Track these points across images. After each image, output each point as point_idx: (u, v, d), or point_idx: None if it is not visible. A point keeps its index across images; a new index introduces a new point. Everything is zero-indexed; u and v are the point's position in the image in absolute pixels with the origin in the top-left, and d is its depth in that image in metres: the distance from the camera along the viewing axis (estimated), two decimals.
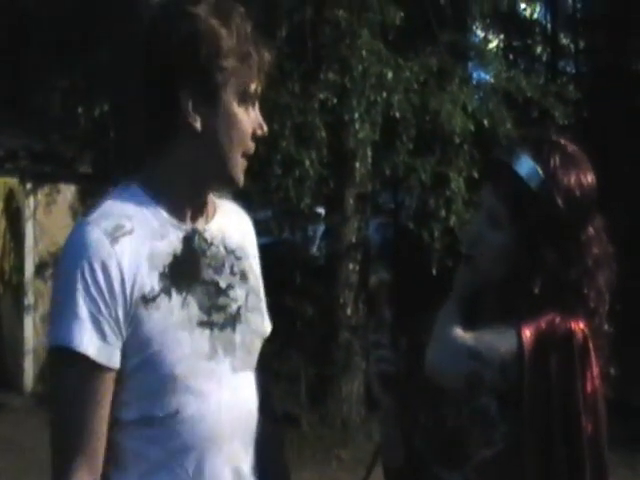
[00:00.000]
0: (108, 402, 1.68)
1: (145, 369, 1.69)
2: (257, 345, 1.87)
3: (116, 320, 1.66)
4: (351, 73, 8.10)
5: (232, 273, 1.84)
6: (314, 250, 11.10)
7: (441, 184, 8.37)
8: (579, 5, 14.16)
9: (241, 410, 1.81)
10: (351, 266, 8.67)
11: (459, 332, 1.75)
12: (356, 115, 8.07)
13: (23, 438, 7.74)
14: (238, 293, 1.84)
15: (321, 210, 9.89)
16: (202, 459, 1.74)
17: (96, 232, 1.68)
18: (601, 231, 1.81)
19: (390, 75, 8.10)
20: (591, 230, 1.78)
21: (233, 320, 1.81)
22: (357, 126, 8.08)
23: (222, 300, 1.80)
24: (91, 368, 1.65)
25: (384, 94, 8.15)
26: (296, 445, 7.54)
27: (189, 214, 1.79)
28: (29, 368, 9.56)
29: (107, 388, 1.67)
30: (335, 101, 8.20)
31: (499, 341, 1.73)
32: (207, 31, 1.69)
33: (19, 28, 10.04)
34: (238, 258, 1.86)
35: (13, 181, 9.74)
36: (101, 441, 1.68)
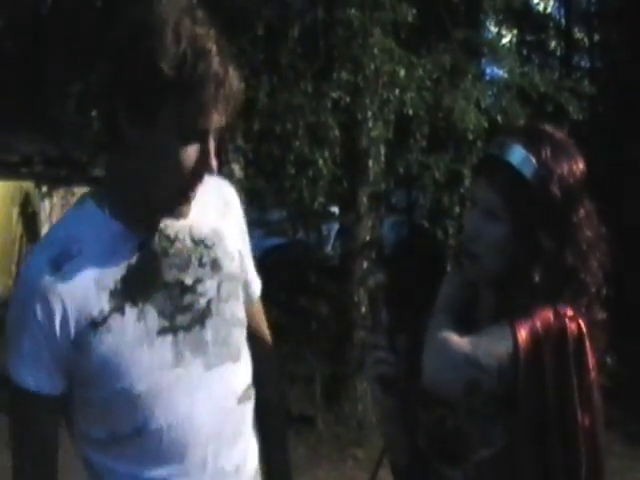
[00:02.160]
0: (50, 423, 1.72)
1: (105, 391, 1.69)
2: (236, 334, 1.84)
3: (60, 352, 1.66)
4: (363, 72, 8.08)
5: (201, 264, 1.79)
6: (329, 249, 11.10)
7: (455, 181, 8.37)
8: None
9: (218, 408, 1.79)
10: (365, 265, 8.67)
11: (455, 339, 1.75)
12: (369, 114, 8.08)
13: None
14: (207, 286, 1.79)
15: (335, 209, 9.89)
16: (176, 469, 1.75)
17: (38, 265, 1.68)
18: (592, 213, 1.84)
19: (403, 73, 8.09)
20: (582, 212, 1.81)
21: (202, 317, 1.77)
22: (370, 125, 8.09)
23: (188, 298, 1.76)
24: (32, 398, 1.68)
25: (397, 92, 8.14)
26: (312, 445, 7.61)
27: (146, 220, 1.74)
28: None
29: (44, 413, 1.70)
30: (348, 100, 8.19)
31: (495, 344, 1.73)
32: (150, 48, 1.56)
33: (36, 36, 10.07)
34: (209, 246, 1.81)
35: (29, 185, 9.85)
36: (49, 456, 1.73)
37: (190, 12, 1.61)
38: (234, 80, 1.62)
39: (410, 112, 8.19)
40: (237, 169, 8.95)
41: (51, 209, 9.73)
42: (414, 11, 8.33)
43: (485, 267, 1.81)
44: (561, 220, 1.78)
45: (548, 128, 1.86)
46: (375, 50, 8.03)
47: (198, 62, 1.56)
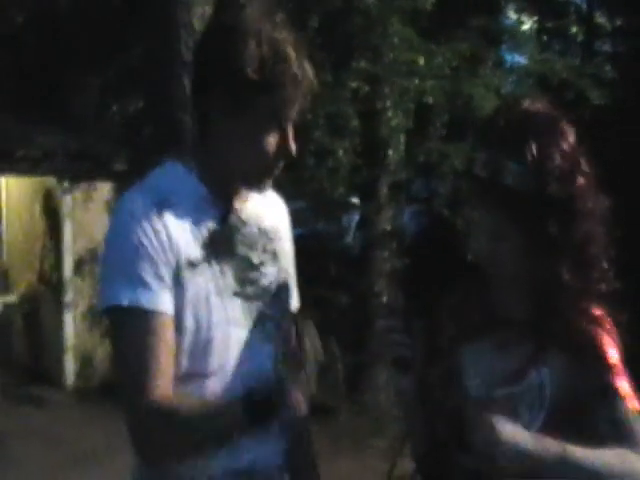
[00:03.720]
0: (170, 339, 1.79)
1: (188, 329, 1.81)
2: (286, 320, 1.98)
3: (166, 276, 1.78)
4: (382, 61, 8.13)
5: (264, 251, 1.96)
6: (349, 240, 11.10)
7: None
8: None
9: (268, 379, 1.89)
10: (386, 254, 8.67)
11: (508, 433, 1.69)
12: (388, 103, 8.10)
13: (62, 432, 7.86)
14: (269, 270, 1.96)
15: (355, 199, 9.87)
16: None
17: (143, 202, 1.82)
18: (592, 183, 1.77)
19: (422, 62, 8.11)
20: (581, 180, 1.75)
21: (263, 293, 1.93)
22: (390, 114, 8.11)
23: (254, 274, 1.92)
24: (163, 321, 1.77)
25: (416, 81, 8.15)
26: (335, 436, 7.56)
27: (227, 194, 1.91)
28: (70, 364, 9.68)
29: (168, 324, 1.78)
30: (367, 89, 8.20)
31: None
32: (236, 54, 1.77)
33: (55, 32, 10.13)
34: (270, 239, 1.98)
35: (51, 180, 9.82)
36: (169, 366, 1.78)
37: (270, 17, 1.81)
38: (309, 78, 1.82)
39: (429, 100, 8.23)
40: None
41: (73, 205, 9.72)
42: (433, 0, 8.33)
43: (507, 278, 1.80)
44: (564, 210, 1.73)
45: (524, 112, 1.77)
46: (394, 39, 8.06)
47: (277, 65, 1.77)
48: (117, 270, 1.80)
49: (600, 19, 13.99)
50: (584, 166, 1.76)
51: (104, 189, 9.74)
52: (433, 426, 1.85)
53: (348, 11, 8.44)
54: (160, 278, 1.78)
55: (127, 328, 1.79)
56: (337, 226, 10.12)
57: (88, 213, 9.71)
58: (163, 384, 1.76)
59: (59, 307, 9.71)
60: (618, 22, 13.90)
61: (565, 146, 1.74)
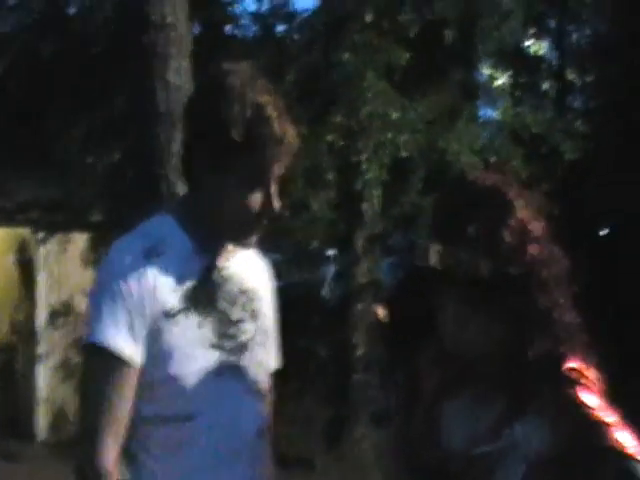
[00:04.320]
0: (132, 391, 1.86)
1: (165, 376, 1.87)
2: (262, 376, 2.02)
3: (145, 328, 1.85)
4: (358, 115, 8.14)
5: (244, 309, 2.00)
6: (325, 292, 11.08)
7: None
8: (585, 40, 14.10)
9: (246, 429, 1.96)
10: (362, 307, 8.61)
11: None
12: (363, 156, 8.12)
13: None
14: (247, 327, 1.99)
15: (332, 252, 9.86)
16: (218, 465, 1.91)
17: (134, 250, 1.89)
18: (547, 249, 1.75)
19: (396, 116, 8.15)
20: (534, 251, 1.73)
21: (241, 349, 1.97)
22: (365, 167, 8.12)
23: (232, 330, 1.97)
24: (123, 365, 1.85)
25: (389, 135, 8.18)
26: None
27: (213, 249, 1.96)
28: (42, 417, 9.62)
29: (133, 381, 1.86)
30: (343, 143, 8.26)
31: None
32: (220, 117, 1.84)
33: (36, 79, 10.11)
34: (250, 299, 2.02)
35: (25, 231, 9.85)
36: (126, 417, 1.86)
37: (253, 82, 1.90)
38: (292, 137, 1.90)
39: (404, 154, 8.25)
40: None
41: (47, 255, 9.71)
42: (407, 54, 8.41)
43: (475, 358, 1.79)
44: (523, 287, 1.72)
45: (469, 193, 1.77)
46: (369, 93, 8.09)
47: (260, 127, 1.84)
48: (100, 314, 1.86)
49: (571, 75, 14.10)
50: (536, 233, 1.75)
51: (79, 240, 9.70)
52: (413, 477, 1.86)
53: (324, 65, 8.53)
54: (133, 331, 1.84)
55: (95, 367, 1.89)
56: (315, 278, 10.10)
57: (63, 265, 9.70)
58: (113, 443, 1.85)
59: (32, 359, 9.65)
60: (589, 78, 14.01)
61: (512, 221, 1.72)
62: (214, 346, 1.92)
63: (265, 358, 2.05)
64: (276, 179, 1.91)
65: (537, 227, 1.75)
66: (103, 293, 1.88)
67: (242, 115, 1.84)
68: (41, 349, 9.63)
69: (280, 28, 9.97)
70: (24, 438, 9.51)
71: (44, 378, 9.68)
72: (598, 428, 1.70)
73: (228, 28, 10.41)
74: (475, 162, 8.41)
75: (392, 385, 1.97)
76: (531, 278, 1.72)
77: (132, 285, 1.85)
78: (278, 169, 1.90)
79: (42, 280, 9.78)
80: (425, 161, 8.50)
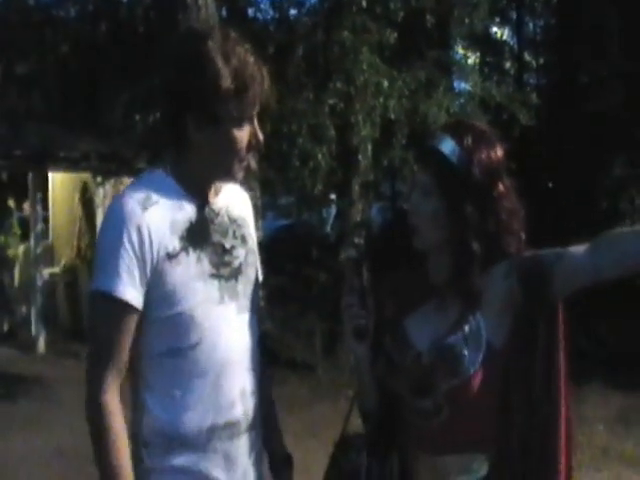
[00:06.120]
0: (132, 331, 1.68)
1: (170, 312, 1.70)
2: (255, 293, 1.87)
3: (145, 273, 1.67)
4: (354, 83, 7.88)
5: (234, 237, 1.84)
6: (328, 229, 10.84)
7: None
8: (539, 29, 13.90)
9: (244, 343, 1.81)
10: (357, 240, 8.39)
11: None
12: (359, 117, 7.87)
13: None
14: (239, 252, 1.84)
15: (333, 196, 9.66)
16: (216, 381, 1.75)
17: (131, 202, 1.68)
18: (510, 189, 1.75)
19: (386, 84, 7.88)
20: (501, 188, 1.73)
21: (236, 273, 1.81)
22: (360, 126, 7.89)
23: (227, 258, 1.80)
24: (124, 308, 1.66)
25: (381, 100, 7.93)
26: (313, 386, 7.36)
27: (201, 191, 1.79)
28: None
29: (133, 322, 1.68)
30: (342, 106, 7.99)
31: None
32: (212, 73, 1.67)
33: (93, 58, 9.99)
34: (239, 225, 1.86)
35: (87, 176, 9.70)
36: (125, 355, 1.69)
37: (229, 38, 1.73)
38: (266, 77, 1.73)
39: (392, 116, 8.00)
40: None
41: (104, 196, 9.53)
42: (395, 34, 8.15)
43: (424, 237, 1.75)
44: (482, 195, 1.70)
45: (473, 123, 1.81)
46: (364, 65, 7.83)
47: (245, 72, 1.68)
48: (104, 262, 1.68)
49: (528, 57, 13.90)
50: (505, 175, 1.74)
51: (128, 183, 9.44)
52: (384, 383, 1.78)
53: (327, 43, 8.20)
54: (134, 276, 1.66)
55: (99, 312, 1.71)
56: (318, 217, 9.89)
57: None
58: (114, 377, 1.68)
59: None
60: (541, 60, 13.84)
61: (493, 153, 1.72)
62: (213, 276, 1.76)
63: (256, 275, 1.89)
64: (257, 113, 1.75)
65: (506, 172, 1.75)
66: (105, 244, 1.69)
67: (228, 66, 1.68)
68: None
69: (292, 12, 9.74)
70: (86, 342, 9.27)
71: None
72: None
73: (250, 11, 10.18)
74: None
75: (370, 306, 1.76)
76: (490, 197, 1.71)
77: (132, 235, 1.66)
78: (257, 104, 1.74)
79: (100, 215, 9.56)
80: (409, 122, 8.18)
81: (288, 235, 10.40)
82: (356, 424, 1.88)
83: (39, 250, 9.75)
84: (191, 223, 1.74)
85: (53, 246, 10.87)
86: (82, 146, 9.31)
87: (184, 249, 1.71)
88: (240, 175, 1.78)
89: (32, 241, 9.72)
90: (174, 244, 1.70)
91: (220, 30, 1.75)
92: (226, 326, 1.76)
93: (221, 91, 1.67)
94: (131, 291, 1.65)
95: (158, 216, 1.68)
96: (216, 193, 1.81)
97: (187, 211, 1.74)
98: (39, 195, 9.92)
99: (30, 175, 9.81)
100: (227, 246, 1.80)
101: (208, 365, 1.73)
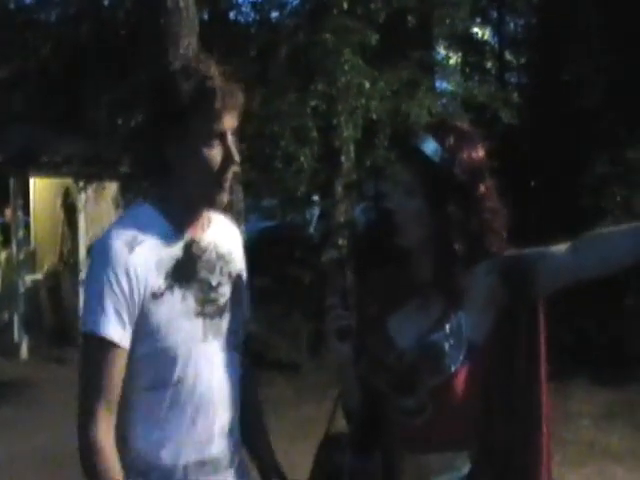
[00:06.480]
0: (122, 369, 1.69)
1: (154, 348, 1.71)
2: (239, 331, 1.86)
3: (133, 312, 1.68)
4: (336, 85, 7.88)
5: (221, 274, 1.82)
6: (311, 230, 10.82)
7: None
8: (520, 28, 13.90)
9: (225, 382, 1.81)
10: (340, 241, 8.40)
11: None
12: (341, 118, 7.87)
13: (77, 385, 7.54)
14: (225, 289, 1.82)
15: (316, 197, 9.65)
16: (195, 418, 1.76)
17: (117, 244, 1.68)
18: (492, 189, 1.75)
19: (368, 85, 7.88)
20: (483, 188, 1.73)
21: (221, 311, 1.80)
22: (342, 127, 7.89)
23: (213, 295, 1.79)
24: (113, 348, 1.67)
25: (363, 101, 7.93)
26: (298, 387, 7.36)
27: (188, 226, 1.77)
28: None
29: (122, 360, 1.69)
30: (324, 107, 7.99)
31: None
32: (171, 87, 1.69)
33: (75, 59, 10.00)
34: (227, 262, 1.85)
35: (68, 181, 9.63)
36: (116, 391, 1.69)
37: (197, 58, 1.78)
38: (237, 92, 1.71)
39: (374, 117, 8.01)
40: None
41: (86, 200, 9.48)
42: (377, 36, 8.13)
43: (408, 235, 1.75)
44: (465, 195, 1.71)
45: (456, 123, 1.82)
46: (346, 66, 7.82)
47: (205, 83, 1.66)
48: (92, 303, 1.68)
49: (509, 56, 13.91)
50: (487, 176, 1.74)
51: (112, 187, 9.55)
52: (366, 382, 1.78)
53: (309, 44, 8.18)
54: (121, 317, 1.67)
55: (89, 352, 1.70)
56: (301, 218, 9.86)
57: (98, 207, 9.50)
58: (104, 412, 1.68)
59: (76, 282, 9.34)
60: (522, 60, 13.87)
61: (475, 153, 1.73)
62: (198, 314, 1.76)
63: (241, 313, 1.88)
64: (232, 132, 1.72)
65: (488, 173, 1.76)
66: (94, 286, 1.69)
67: (187, 81, 1.68)
68: (82, 274, 9.31)
69: (274, 14, 9.72)
70: (71, 345, 9.18)
71: None
72: None
73: (232, 14, 10.21)
74: None
75: (353, 306, 1.77)
76: (472, 197, 1.71)
77: (119, 276, 1.66)
78: (230, 122, 1.71)
79: (82, 220, 9.56)
80: (392, 122, 8.17)
81: (272, 236, 10.37)
82: (341, 424, 1.89)
83: (21, 256, 9.71)
84: (177, 261, 1.73)
85: (35, 252, 10.77)
86: (64, 150, 9.25)
87: (169, 288, 1.71)
88: (221, 200, 1.75)
89: (14, 247, 9.69)
90: (159, 283, 1.70)
91: (195, 58, 1.85)
92: (208, 364, 1.76)
93: (180, 103, 1.66)
94: (119, 331, 1.66)
95: (144, 256, 1.68)
96: (204, 227, 1.80)
97: (173, 248, 1.74)
98: (21, 201, 9.85)
99: (11, 180, 9.74)
100: (213, 283, 1.79)
101: (187, 402, 1.74)
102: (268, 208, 9.39)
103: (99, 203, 9.42)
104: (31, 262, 10.45)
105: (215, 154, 1.70)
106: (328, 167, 8.47)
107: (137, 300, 1.68)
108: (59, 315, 9.79)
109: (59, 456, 5.08)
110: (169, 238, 1.74)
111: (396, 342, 1.75)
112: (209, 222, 1.82)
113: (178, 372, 1.72)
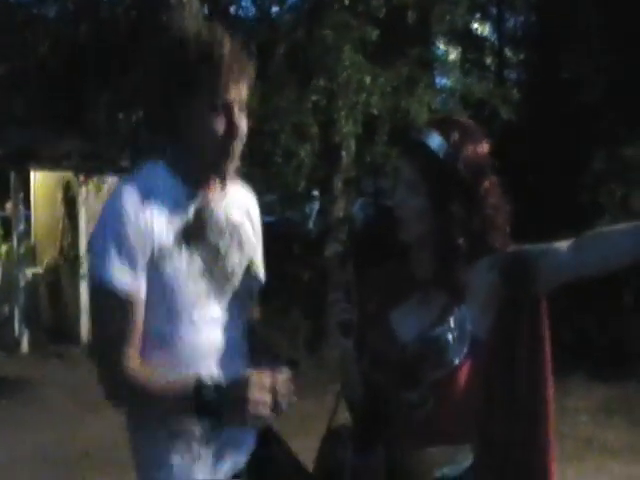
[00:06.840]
0: (140, 318, 1.68)
1: (159, 303, 1.70)
2: (245, 300, 1.84)
3: (145, 262, 1.67)
4: (337, 80, 7.84)
5: (231, 240, 1.81)
6: (310, 225, 10.82)
7: None
8: (519, 25, 13.87)
9: (221, 341, 1.78)
10: (340, 237, 8.38)
11: None
12: (342, 114, 7.83)
13: (80, 381, 7.46)
14: (234, 256, 1.80)
15: (315, 192, 9.64)
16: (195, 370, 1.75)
17: (132, 194, 1.68)
18: (496, 185, 1.75)
19: (368, 81, 7.85)
20: (487, 184, 1.73)
21: (228, 277, 1.78)
22: (342, 122, 7.84)
23: (221, 261, 1.78)
24: (128, 298, 1.67)
25: (364, 96, 7.89)
26: (298, 383, 7.31)
27: (201, 190, 1.77)
28: (84, 324, 9.27)
29: (139, 309, 1.68)
30: (324, 103, 7.95)
31: None
32: (179, 40, 1.70)
33: (74, 57, 9.98)
34: (237, 230, 1.83)
35: (69, 175, 9.64)
36: (136, 341, 1.69)
37: (204, 25, 1.78)
38: (245, 59, 1.70)
39: (375, 112, 7.97)
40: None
41: (87, 194, 9.50)
42: (377, 32, 8.11)
43: (410, 230, 1.75)
44: (468, 191, 1.70)
45: (459, 119, 1.83)
46: (346, 62, 7.79)
47: (214, 47, 1.64)
48: (105, 249, 1.66)
49: (508, 53, 13.89)
50: (490, 172, 1.74)
51: (111, 182, 9.44)
52: (369, 377, 1.79)
53: (309, 40, 8.16)
54: (135, 266, 1.66)
55: (105, 301, 1.68)
56: (301, 214, 9.85)
57: (99, 201, 9.32)
58: (133, 352, 1.68)
59: (76, 277, 9.36)
60: (522, 56, 13.85)
61: (479, 149, 1.72)
62: (203, 277, 1.74)
63: (248, 281, 1.84)
64: (238, 103, 1.69)
65: (490, 169, 1.75)
66: (107, 235, 1.67)
67: (196, 44, 1.67)
68: (83, 269, 9.28)
69: (274, 10, 9.65)
70: (71, 341, 9.23)
71: (86, 292, 9.31)
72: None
73: (232, 9, 10.11)
74: None
75: (355, 301, 1.77)
76: (476, 194, 1.70)
77: (132, 226, 1.66)
78: (236, 92, 1.67)
79: (83, 214, 9.60)
80: (391, 118, 8.14)
81: (271, 232, 10.35)
82: (343, 418, 1.89)
83: (22, 250, 9.74)
84: (187, 222, 1.73)
85: (36, 246, 10.82)
86: (64, 145, 9.27)
87: (177, 246, 1.71)
88: (227, 169, 1.74)
89: (14, 241, 9.71)
90: (169, 239, 1.70)
91: (198, 22, 1.84)
92: (209, 327, 1.75)
93: (187, 63, 1.65)
94: (134, 282, 1.66)
95: (157, 210, 1.68)
96: (218, 194, 1.79)
97: (184, 210, 1.73)
98: (21, 194, 9.88)
99: (12, 174, 9.77)
100: (222, 249, 1.78)
101: (189, 363, 1.73)
102: (267, 204, 9.39)
103: (99, 197, 9.31)
104: (31, 256, 10.49)
105: (220, 123, 1.68)
106: (328, 163, 8.45)
107: (149, 250, 1.67)
108: (59, 310, 9.80)
109: (59, 453, 5.10)
110: (181, 199, 1.74)
111: (398, 336, 1.76)
112: (224, 190, 1.80)
113: (182, 330, 1.72)
